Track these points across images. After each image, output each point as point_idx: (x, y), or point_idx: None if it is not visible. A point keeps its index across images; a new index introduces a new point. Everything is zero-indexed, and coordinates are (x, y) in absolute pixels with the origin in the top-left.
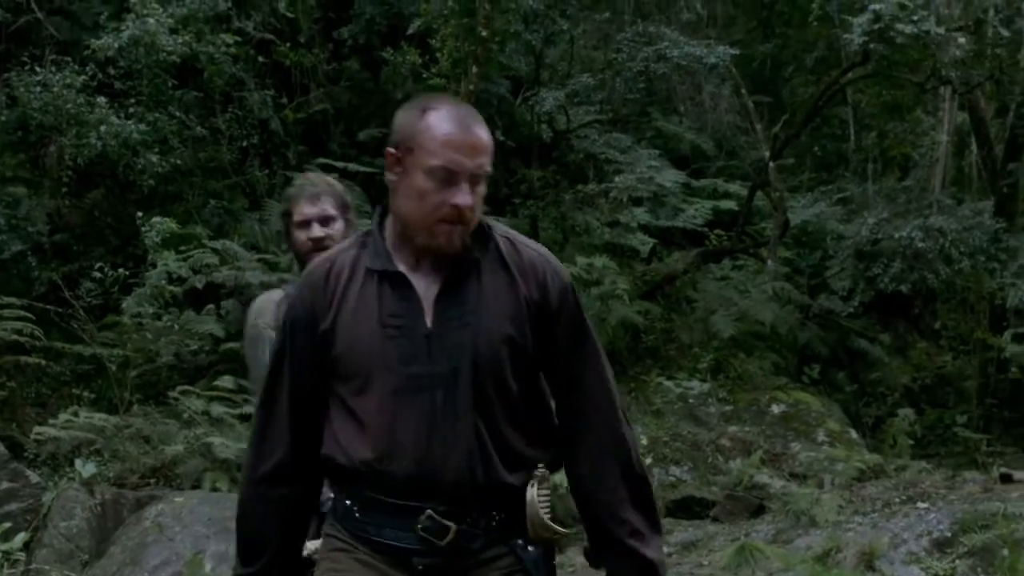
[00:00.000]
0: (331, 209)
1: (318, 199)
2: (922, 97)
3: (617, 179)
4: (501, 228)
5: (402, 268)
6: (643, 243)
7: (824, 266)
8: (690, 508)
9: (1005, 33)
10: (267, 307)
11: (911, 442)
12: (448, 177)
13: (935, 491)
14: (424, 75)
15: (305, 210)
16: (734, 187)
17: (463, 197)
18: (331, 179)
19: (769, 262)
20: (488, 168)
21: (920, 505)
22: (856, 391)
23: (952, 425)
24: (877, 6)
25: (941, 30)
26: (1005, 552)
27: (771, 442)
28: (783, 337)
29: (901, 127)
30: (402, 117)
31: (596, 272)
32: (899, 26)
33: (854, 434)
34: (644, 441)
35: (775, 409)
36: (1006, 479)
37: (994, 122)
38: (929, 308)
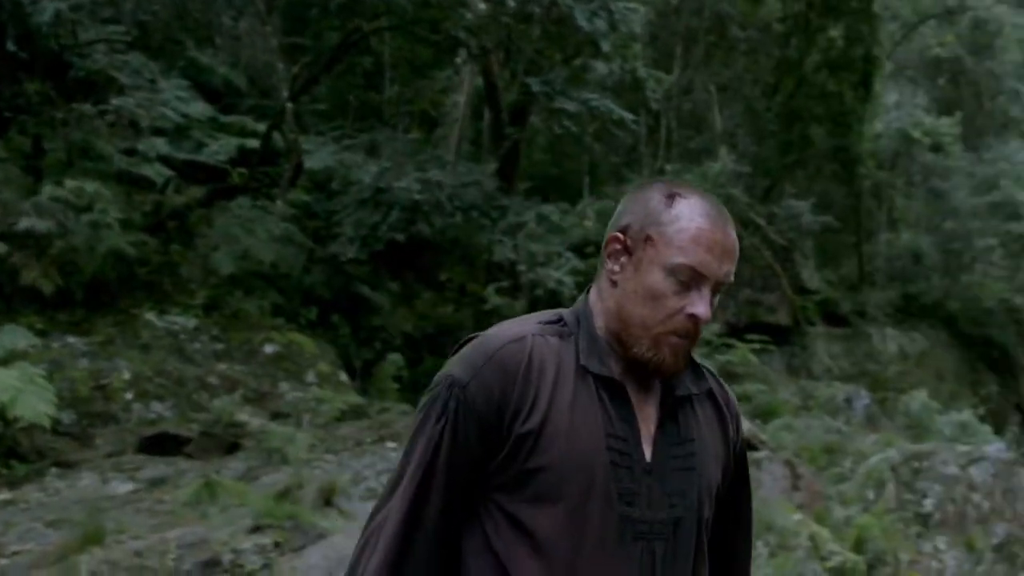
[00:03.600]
0: None
1: None
2: (447, 57)
3: (115, 101)
4: None
5: (618, 377)
6: (159, 174)
7: (338, 212)
8: (164, 445)
9: (513, 3)
10: None
11: (397, 386)
12: (692, 280)
13: (407, 432)
14: None
15: None
16: (263, 126)
17: (703, 307)
18: None
19: (279, 203)
20: (731, 278)
21: (389, 445)
22: (354, 336)
23: None
24: None
25: None
26: None
27: (260, 381)
28: (286, 278)
29: (424, 83)
30: (637, 199)
31: (87, 198)
32: None
33: (344, 377)
34: (127, 376)
35: (268, 349)
36: None
37: (512, 88)
38: (437, 260)
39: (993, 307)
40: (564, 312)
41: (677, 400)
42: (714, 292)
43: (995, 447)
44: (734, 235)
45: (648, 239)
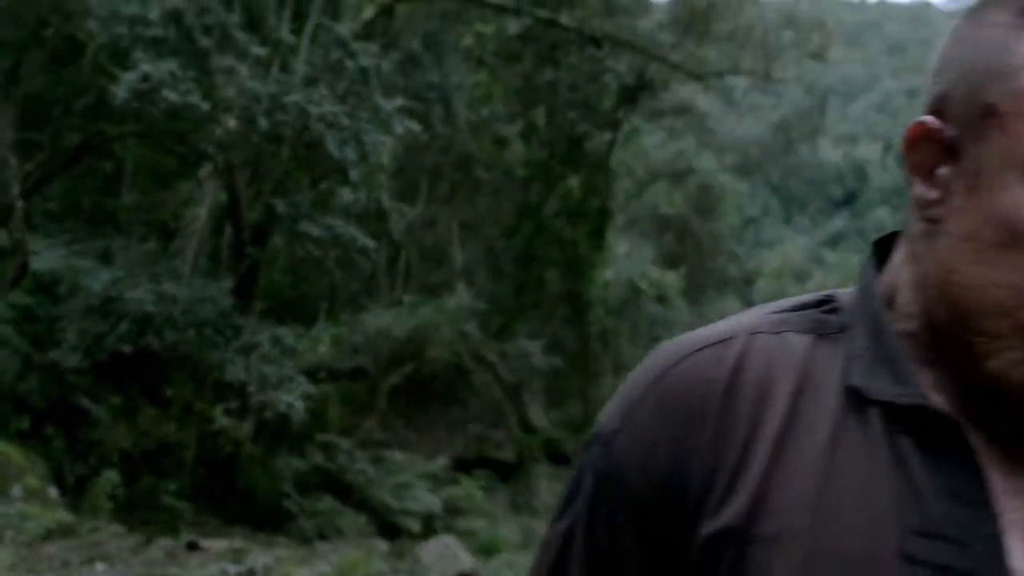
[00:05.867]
0: None
1: None
2: (191, 168)
3: None
4: None
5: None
6: None
7: (63, 317)
8: None
9: (264, 124)
10: None
11: (112, 505)
12: None
13: (120, 554)
14: None
15: None
16: None
17: None
18: None
19: None
20: None
21: (99, 567)
22: (69, 449)
23: (164, 493)
24: (148, 67)
25: (207, 106)
26: None
27: None
28: None
29: (166, 193)
30: (965, 37)
31: None
32: (165, 92)
33: (54, 492)
34: None
35: None
36: (193, 547)
37: (256, 207)
38: (164, 375)
39: None
40: (841, 292)
41: None
42: None
43: None
44: None
45: (990, 113)
